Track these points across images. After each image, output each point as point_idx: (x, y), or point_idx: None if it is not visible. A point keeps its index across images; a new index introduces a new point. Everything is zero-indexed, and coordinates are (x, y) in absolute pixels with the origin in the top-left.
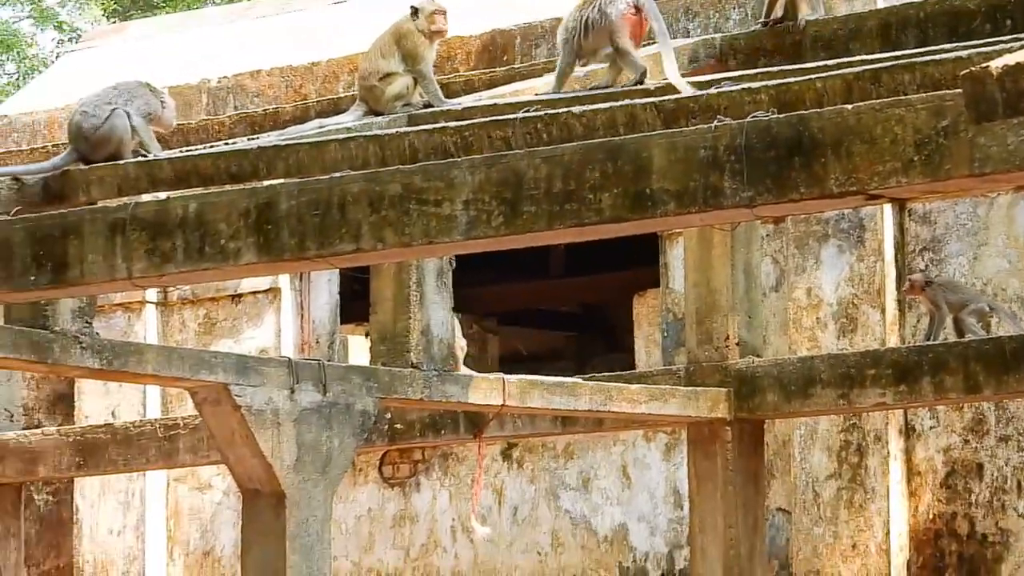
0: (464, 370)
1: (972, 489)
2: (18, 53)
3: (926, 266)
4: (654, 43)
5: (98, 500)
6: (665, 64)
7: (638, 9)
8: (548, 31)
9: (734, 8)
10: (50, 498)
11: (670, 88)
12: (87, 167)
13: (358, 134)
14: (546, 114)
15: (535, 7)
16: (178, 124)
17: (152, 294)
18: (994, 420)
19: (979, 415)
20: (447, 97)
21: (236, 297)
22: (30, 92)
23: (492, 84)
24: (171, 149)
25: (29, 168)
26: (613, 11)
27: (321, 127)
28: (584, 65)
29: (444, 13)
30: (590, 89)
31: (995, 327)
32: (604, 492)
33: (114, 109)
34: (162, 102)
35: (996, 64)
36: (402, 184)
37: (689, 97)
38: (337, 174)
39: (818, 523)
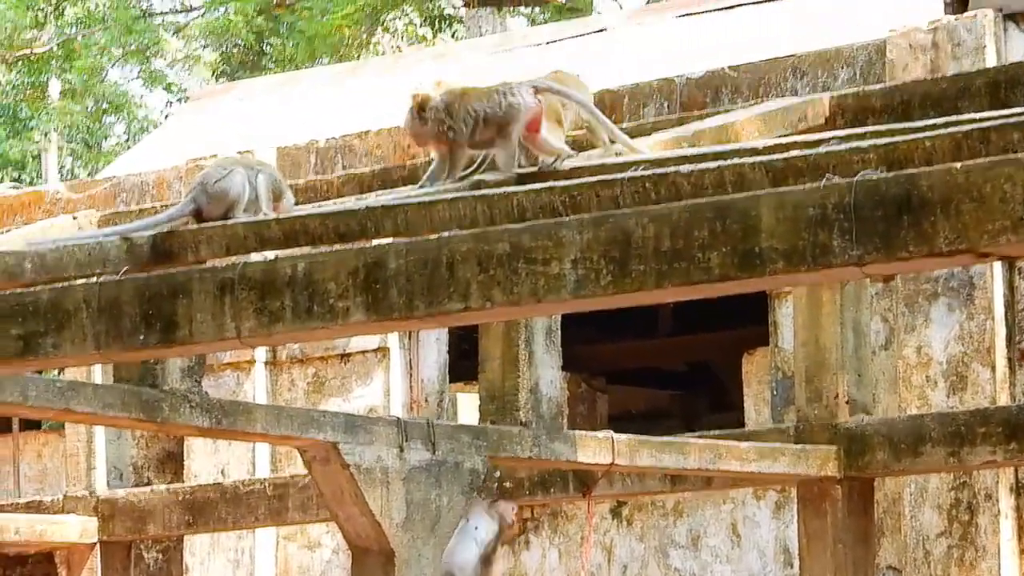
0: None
1: None
2: (127, 114)
3: None
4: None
5: (207, 558)
6: (615, 135)
7: (536, 91)
8: (655, 91)
9: (842, 67)
10: (160, 556)
11: (779, 147)
12: (196, 227)
13: (466, 193)
14: (654, 173)
15: (642, 70)
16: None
17: (261, 353)
18: None
19: None
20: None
21: (345, 356)
22: (139, 152)
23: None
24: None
25: (146, 222)
26: (519, 102)
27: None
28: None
29: None
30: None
31: None
32: (713, 550)
33: (239, 169)
34: (287, 192)
35: None
36: (510, 243)
37: (798, 156)
38: (445, 233)
39: None
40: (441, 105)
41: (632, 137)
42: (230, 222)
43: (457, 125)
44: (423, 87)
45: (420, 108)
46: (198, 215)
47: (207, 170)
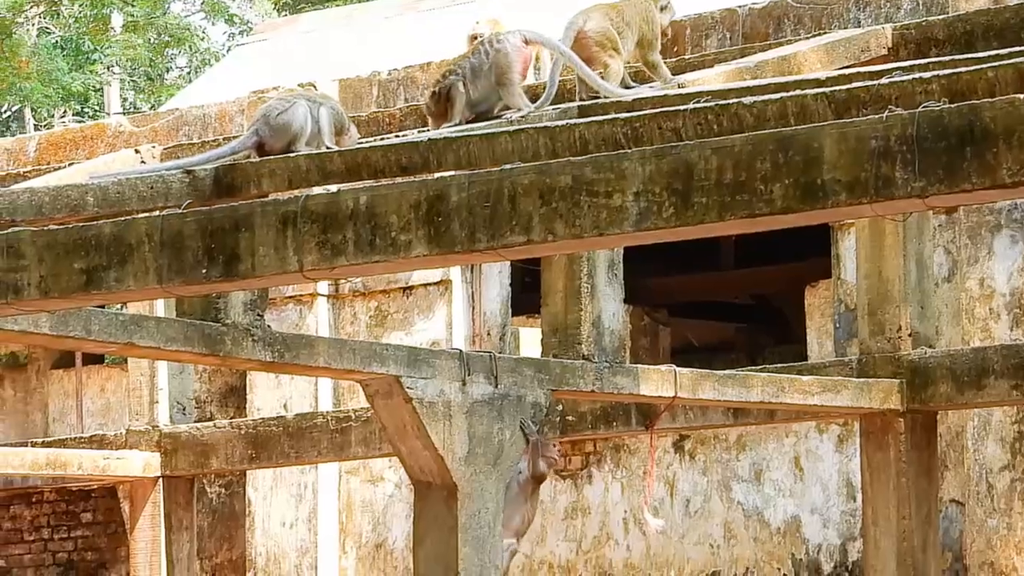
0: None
1: None
2: (190, 47)
3: None
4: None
5: (270, 493)
6: (589, 79)
7: (527, 42)
8: (718, 21)
9: None
10: (223, 491)
11: (842, 79)
12: (259, 160)
13: (528, 126)
14: (716, 105)
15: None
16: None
17: (323, 287)
18: None
19: None
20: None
21: (407, 289)
22: (201, 85)
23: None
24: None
25: (208, 156)
26: (507, 47)
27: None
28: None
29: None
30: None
31: None
32: (776, 484)
33: (301, 102)
34: (349, 125)
35: None
36: (572, 175)
37: (860, 87)
38: (508, 166)
39: (992, 515)
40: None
41: (694, 69)
42: (292, 155)
43: (452, 79)
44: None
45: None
46: (260, 148)
47: (269, 103)
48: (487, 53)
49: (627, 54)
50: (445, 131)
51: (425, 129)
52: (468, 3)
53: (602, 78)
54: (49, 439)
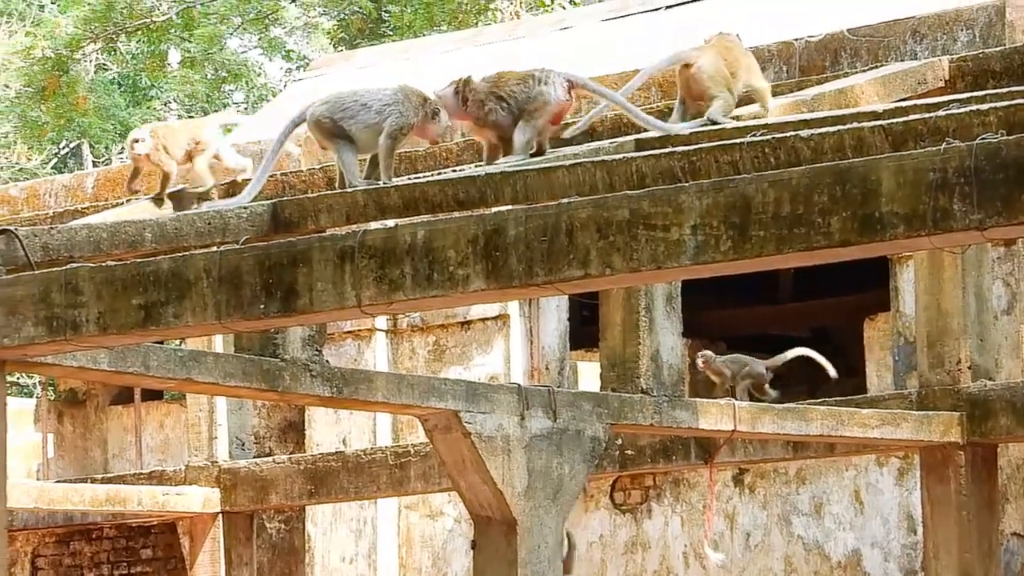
0: None
1: None
2: (247, 82)
3: None
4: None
5: (330, 528)
6: (639, 118)
7: (571, 88)
8: (774, 54)
9: (962, 29)
10: (282, 526)
11: (899, 111)
12: (316, 195)
13: (585, 159)
14: (773, 138)
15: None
16: (405, 152)
17: (382, 322)
18: None
19: None
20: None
21: (465, 324)
22: (258, 120)
23: None
24: (399, 176)
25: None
26: (550, 94)
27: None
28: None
29: None
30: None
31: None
32: (837, 517)
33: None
34: (431, 112)
35: None
36: (630, 209)
37: (918, 119)
38: (565, 200)
39: None
40: (482, 88)
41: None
42: (348, 190)
43: (496, 106)
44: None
45: (463, 87)
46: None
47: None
48: (531, 89)
49: (737, 92)
50: (502, 165)
51: (481, 164)
52: (523, 38)
53: (709, 108)
54: (109, 475)
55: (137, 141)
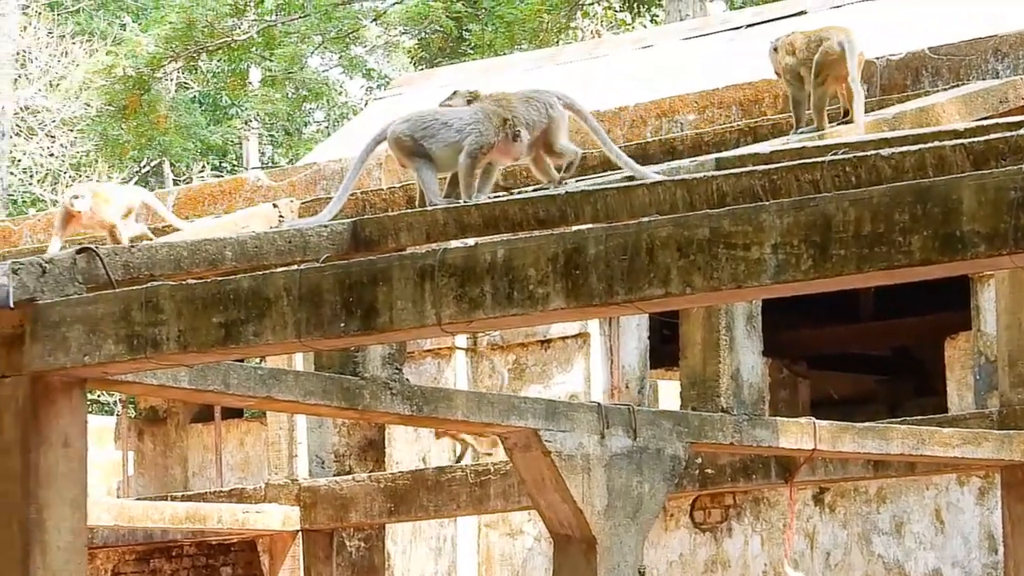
0: None
1: None
2: (327, 101)
3: None
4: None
5: (409, 546)
6: (616, 157)
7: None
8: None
9: None
10: (362, 544)
11: (980, 130)
12: (396, 214)
13: (666, 178)
14: (854, 157)
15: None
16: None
17: (462, 340)
18: None
19: None
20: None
21: (545, 342)
22: (339, 139)
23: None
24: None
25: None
26: (559, 115)
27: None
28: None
29: None
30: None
31: None
32: (917, 537)
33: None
34: (512, 133)
35: None
36: (710, 228)
37: (999, 138)
38: (645, 218)
39: None
40: (508, 110)
41: (832, 120)
42: (429, 208)
43: (521, 130)
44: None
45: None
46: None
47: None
48: (544, 113)
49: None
50: (582, 184)
51: (564, 182)
52: (604, 57)
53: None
54: (189, 493)
55: (76, 197)
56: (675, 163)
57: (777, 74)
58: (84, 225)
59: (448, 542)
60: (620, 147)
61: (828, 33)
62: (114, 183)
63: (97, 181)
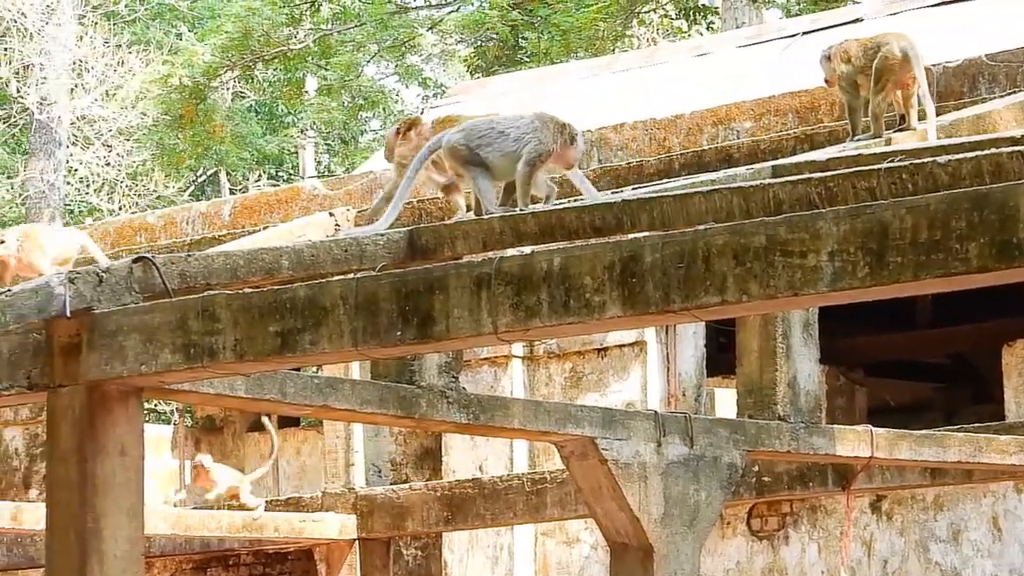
0: None
1: None
2: (383, 109)
3: None
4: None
5: (466, 554)
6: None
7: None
8: None
9: None
10: (419, 553)
11: None
12: (452, 222)
13: (722, 186)
14: (911, 164)
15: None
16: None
17: (518, 348)
18: None
19: None
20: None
21: (602, 351)
22: None
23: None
24: (535, 203)
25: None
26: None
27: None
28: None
29: None
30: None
31: None
32: (975, 544)
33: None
34: (569, 138)
35: None
36: (767, 236)
37: None
38: (701, 226)
39: None
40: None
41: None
42: (485, 217)
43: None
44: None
45: (407, 128)
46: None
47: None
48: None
49: None
50: (639, 192)
51: (618, 190)
52: (661, 65)
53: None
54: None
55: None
56: (731, 171)
57: (827, 82)
58: (17, 272)
59: (505, 550)
60: (676, 155)
61: (887, 39)
62: (52, 227)
63: (52, 221)
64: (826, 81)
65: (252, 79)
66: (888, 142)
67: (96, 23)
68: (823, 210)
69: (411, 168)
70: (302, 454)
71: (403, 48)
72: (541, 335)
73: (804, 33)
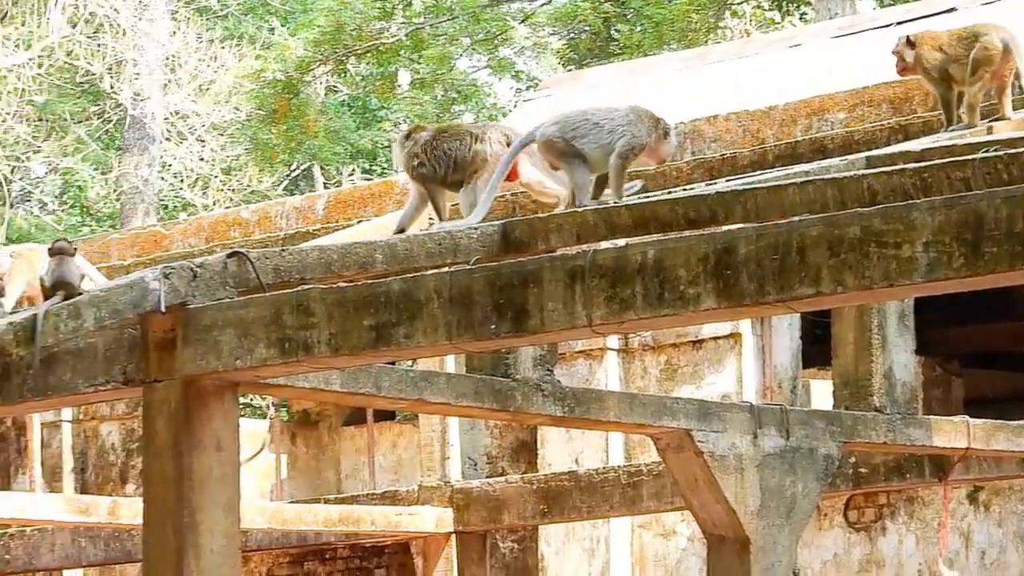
0: None
1: None
2: (476, 103)
3: None
4: None
5: (563, 547)
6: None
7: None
8: None
9: None
10: (515, 545)
11: None
12: (546, 215)
13: (816, 177)
14: (1006, 154)
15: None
16: (635, 171)
17: (613, 341)
18: None
19: None
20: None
21: (697, 343)
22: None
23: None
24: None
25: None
26: (486, 151)
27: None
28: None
29: None
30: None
31: None
32: None
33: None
34: (663, 133)
35: None
36: (861, 227)
37: None
38: (796, 218)
39: None
40: (421, 140)
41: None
42: (579, 210)
43: (428, 162)
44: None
45: (407, 136)
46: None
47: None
48: (468, 148)
49: None
50: (732, 184)
51: (712, 183)
52: (755, 56)
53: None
54: (342, 496)
55: None
56: (825, 162)
57: (904, 70)
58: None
59: (601, 543)
60: (770, 147)
61: (985, 30)
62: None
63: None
64: (903, 69)
65: (345, 73)
66: (989, 131)
67: (188, 18)
68: (918, 201)
69: (503, 161)
70: (398, 448)
71: (495, 41)
72: (635, 328)
73: (898, 23)
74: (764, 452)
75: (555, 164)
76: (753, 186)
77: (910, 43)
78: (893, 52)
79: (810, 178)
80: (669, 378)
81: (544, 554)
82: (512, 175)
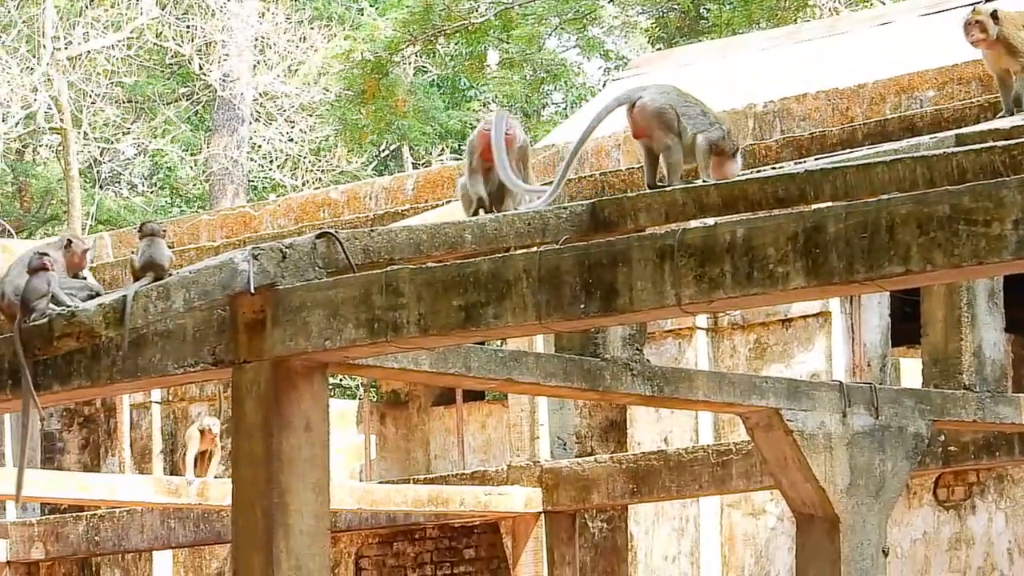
0: None
1: None
2: (565, 82)
3: None
4: None
5: (652, 527)
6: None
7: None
8: None
9: None
10: (604, 525)
11: None
12: (635, 194)
13: (905, 155)
14: None
15: None
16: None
17: (702, 320)
18: None
19: None
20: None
21: (786, 321)
22: (577, 120)
23: None
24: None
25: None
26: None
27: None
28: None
29: None
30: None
31: None
32: None
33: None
34: (734, 150)
35: None
36: (950, 205)
37: None
38: (885, 196)
39: None
40: None
41: None
42: (668, 189)
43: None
44: None
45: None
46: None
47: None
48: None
49: None
50: (821, 162)
51: (801, 161)
52: (844, 34)
53: None
54: (431, 476)
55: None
56: (914, 140)
57: (980, 41)
58: None
59: (691, 522)
60: (859, 125)
61: None
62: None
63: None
64: (979, 40)
65: (434, 53)
66: None
67: None
68: (1007, 178)
69: (594, 118)
70: (487, 427)
71: (584, 20)
72: (724, 306)
73: (986, 0)
74: (853, 431)
75: (650, 133)
76: (842, 164)
77: (995, 16)
78: (971, 21)
79: (899, 156)
80: (758, 357)
81: (633, 533)
82: (485, 152)
